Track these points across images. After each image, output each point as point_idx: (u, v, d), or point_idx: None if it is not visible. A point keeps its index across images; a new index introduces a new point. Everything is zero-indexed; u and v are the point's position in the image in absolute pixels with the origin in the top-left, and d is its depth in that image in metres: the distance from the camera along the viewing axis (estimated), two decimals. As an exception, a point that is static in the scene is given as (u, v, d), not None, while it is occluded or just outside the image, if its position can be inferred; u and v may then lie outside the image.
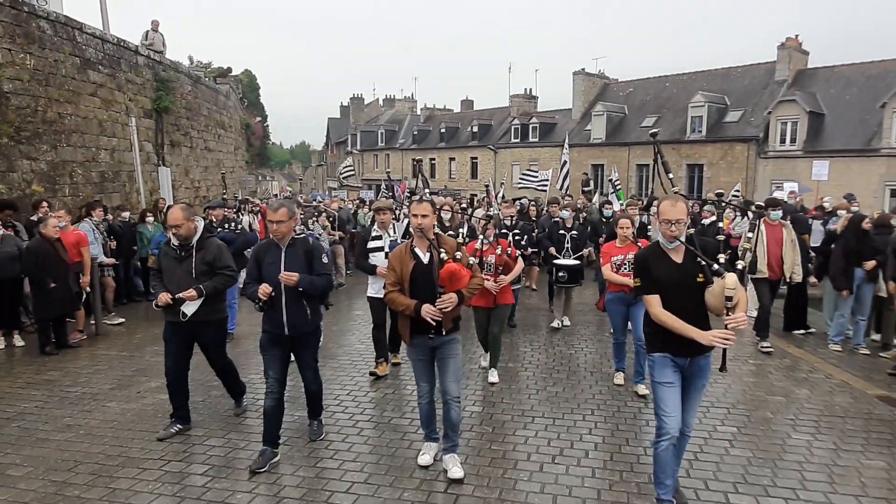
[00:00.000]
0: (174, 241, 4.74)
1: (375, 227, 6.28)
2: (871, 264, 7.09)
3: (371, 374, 6.33)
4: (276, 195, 34.30)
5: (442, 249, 3.90)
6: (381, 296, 5.71)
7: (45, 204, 8.53)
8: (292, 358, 4.61)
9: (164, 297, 4.58)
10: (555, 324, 8.38)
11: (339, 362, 6.85)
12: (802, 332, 8.13)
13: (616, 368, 6.13)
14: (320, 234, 9.69)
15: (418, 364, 4.23)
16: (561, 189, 18.07)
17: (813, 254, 8.74)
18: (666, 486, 3.50)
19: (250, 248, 6.31)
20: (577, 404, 5.45)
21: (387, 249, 6.00)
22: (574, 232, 8.54)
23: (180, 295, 4.57)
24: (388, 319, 6.32)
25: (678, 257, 3.50)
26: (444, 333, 4.03)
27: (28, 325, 8.24)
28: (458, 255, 3.98)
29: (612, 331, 6.19)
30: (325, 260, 4.55)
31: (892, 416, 5.14)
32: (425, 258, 4.08)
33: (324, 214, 11.38)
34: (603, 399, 5.58)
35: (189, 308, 4.61)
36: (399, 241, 6.00)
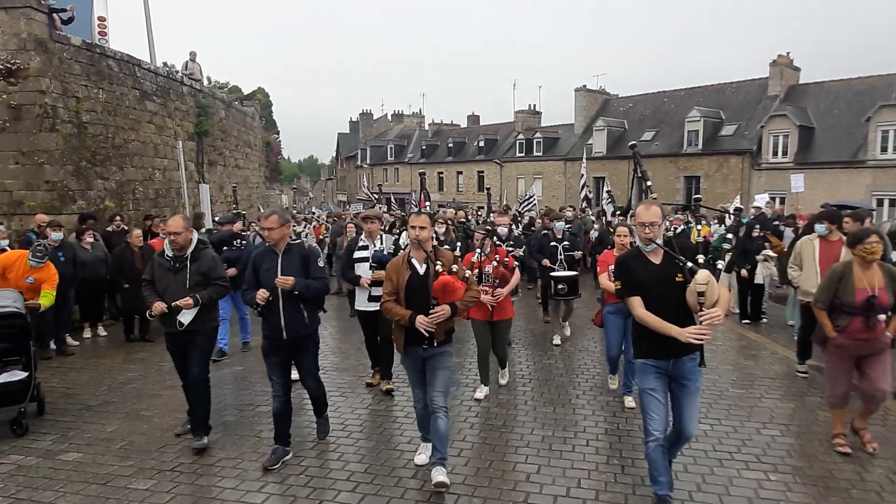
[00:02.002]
0: (168, 252, 4.79)
1: (362, 237, 6.20)
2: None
3: (368, 385, 6.35)
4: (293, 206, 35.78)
5: (438, 262, 3.99)
6: (368, 308, 5.97)
7: (118, 217, 10.07)
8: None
9: (159, 306, 4.62)
10: (556, 340, 8.19)
11: (334, 372, 6.92)
12: (761, 320, 9.35)
13: (611, 371, 6.17)
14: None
15: (411, 374, 4.34)
16: (582, 202, 18.08)
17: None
18: (661, 483, 3.64)
19: None
20: (576, 421, 5.34)
21: (371, 261, 5.93)
22: (566, 243, 8.37)
23: (177, 303, 4.61)
24: (377, 337, 6.19)
25: (657, 259, 3.63)
26: (435, 345, 4.10)
27: (108, 319, 9.76)
28: (455, 267, 4.05)
29: (607, 348, 6.02)
30: (320, 264, 4.66)
31: (812, 378, 6.55)
32: (421, 269, 4.14)
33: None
34: (603, 416, 5.48)
35: (185, 317, 4.65)
36: (385, 252, 5.95)
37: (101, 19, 13.40)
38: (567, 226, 9.33)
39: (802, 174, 15.04)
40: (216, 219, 10.84)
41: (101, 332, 9.28)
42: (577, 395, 6.10)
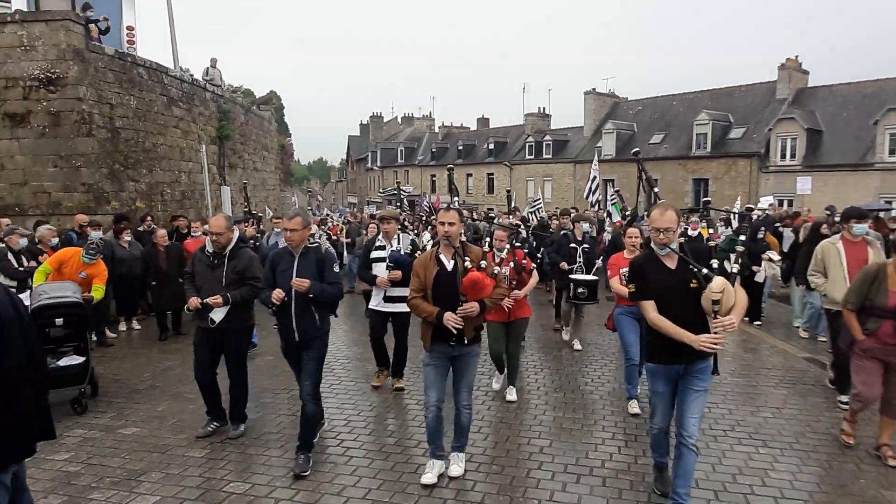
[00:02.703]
0: (209, 249, 4.88)
1: (380, 237, 6.19)
2: None
3: (374, 387, 6.31)
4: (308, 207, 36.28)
5: (466, 258, 3.96)
6: (382, 308, 5.98)
7: (149, 217, 10.64)
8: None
9: (194, 302, 4.74)
10: (577, 345, 7.90)
11: (338, 374, 6.91)
12: (758, 323, 9.45)
13: (629, 396, 5.64)
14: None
15: (431, 369, 4.18)
16: (590, 203, 18.19)
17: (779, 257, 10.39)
18: (660, 453, 3.98)
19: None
20: (592, 432, 5.14)
21: (388, 261, 5.87)
22: (585, 245, 8.01)
23: (207, 301, 4.69)
24: (393, 338, 6.21)
25: (672, 264, 3.60)
26: (465, 342, 4.05)
27: (140, 314, 10.32)
28: (483, 264, 4.03)
29: (625, 352, 5.63)
30: (336, 269, 4.68)
31: (806, 369, 6.98)
32: (449, 266, 4.10)
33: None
34: (621, 429, 5.22)
35: (217, 315, 4.73)
36: (402, 252, 5.92)
37: (130, 28, 14.07)
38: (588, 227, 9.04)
39: (809, 177, 15.39)
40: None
41: (136, 325, 9.83)
42: (594, 413, 5.62)
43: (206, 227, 6.12)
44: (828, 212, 11.54)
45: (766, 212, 13.27)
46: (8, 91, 10.45)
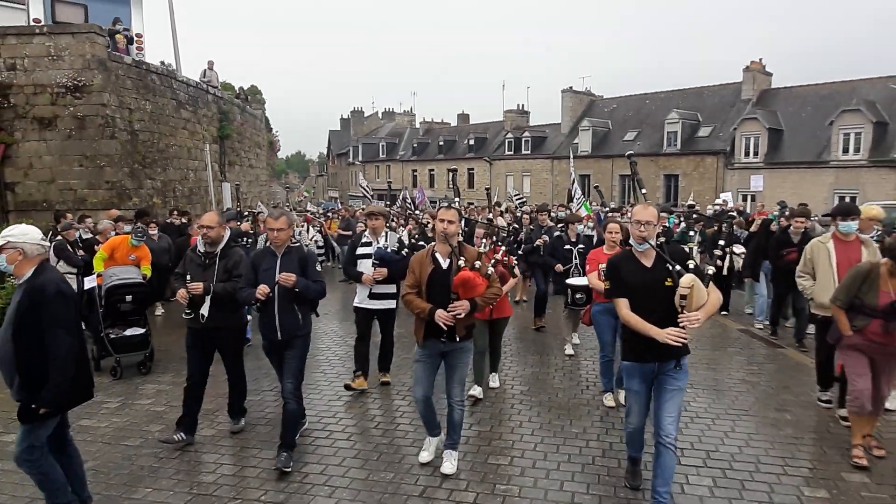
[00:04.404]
0: (201, 248, 4.88)
1: (367, 233, 6.13)
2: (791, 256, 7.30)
3: (346, 387, 6.07)
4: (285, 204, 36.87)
5: (462, 257, 3.98)
6: (367, 305, 5.93)
7: (175, 212, 11.71)
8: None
9: (182, 293, 4.70)
10: (568, 349, 7.50)
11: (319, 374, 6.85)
12: (725, 312, 9.97)
13: (604, 389, 5.74)
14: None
15: (420, 365, 4.26)
16: (572, 202, 18.75)
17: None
18: (634, 448, 4.04)
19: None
20: (578, 430, 5.12)
21: (373, 258, 5.80)
22: (581, 246, 7.58)
23: (188, 286, 4.67)
24: (379, 334, 6.19)
25: (648, 262, 3.64)
26: (457, 339, 4.10)
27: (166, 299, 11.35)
28: (478, 264, 4.02)
29: (601, 348, 5.72)
30: (318, 268, 4.66)
31: (738, 336, 8.42)
32: (444, 264, 4.12)
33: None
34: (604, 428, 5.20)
35: (204, 309, 4.69)
36: (389, 249, 5.86)
37: (139, 36, 15.03)
38: (561, 225, 8.75)
39: (762, 175, 16.91)
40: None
41: (159, 310, 10.88)
42: (580, 415, 5.52)
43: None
44: (779, 206, 12.84)
45: (724, 207, 14.54)
46: (36, 97, 11.43)
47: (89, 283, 7.17)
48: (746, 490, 4.10)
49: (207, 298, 4.67)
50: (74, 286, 7.90)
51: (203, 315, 4.70)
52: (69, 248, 8.10)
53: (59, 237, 8.23)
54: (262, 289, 4.36)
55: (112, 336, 6.74)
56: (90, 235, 9.37)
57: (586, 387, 6.29)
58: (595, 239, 7.99)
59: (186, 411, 4.89)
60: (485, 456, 4.60)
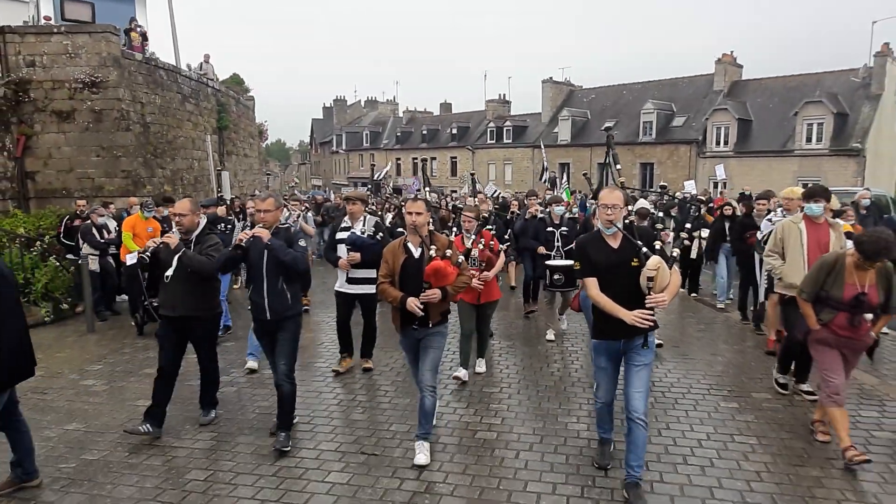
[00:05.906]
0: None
1: (346, 218, 6.13)
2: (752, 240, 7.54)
3: (334, 371, 6.16)
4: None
5: (433, 247, 4.10)
6: (347, 290, 6.03)
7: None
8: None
9: (140, 253, 4.83)
10: (549, 335, 7.50)
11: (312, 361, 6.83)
12: (695, 294, 10.77)
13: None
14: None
15: (407, 354, 4.53)
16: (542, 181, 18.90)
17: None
18: (604, 429, 4.18)
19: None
20: (568, 411, 5.21)
21: (345, 243, 5.85)
22: (564, 228, 7.54)
23: (163, 239, 4.71)
24: (361, 320, 6.20)
25: (615, 243, 3.74)
26: (430, 326, 4.21)
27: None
28: (448, 252, 4.14)
29: (591, 332, 5.46)
30: (302, 244, 4.62)
31: (696, 308, 9.61)
32: (416, 253, 4.23)
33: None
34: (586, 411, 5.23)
35: (170, 271, 4.63)
36: (365, 234, 5.88)
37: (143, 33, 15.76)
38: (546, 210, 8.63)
39: (722, 165, 18.18)
40: (200, 202, 12.95)
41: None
42: (568, 397, 5.62)
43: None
44: (740, 194, 13.94)
45: (691, 194, 15.67)
46: (55, 92, 12.20)
47: (130, 259, 8.06)
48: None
49: (174, 261, 4.63)
50: (96, 266, 8.90)
51: (166, 277, 4.65)
52: (94, 231, 9.00)
53: (88, 221, 9.12)
54: (244, 234, 4.43)
55: (155, 304, 7.67)
56: (114, 223, 10.28)
57: (573, 373, 6.33)
58: (578, 224, 7.96)
59: (155, 402, 4.73)
60: (465, 448, 4.57)
